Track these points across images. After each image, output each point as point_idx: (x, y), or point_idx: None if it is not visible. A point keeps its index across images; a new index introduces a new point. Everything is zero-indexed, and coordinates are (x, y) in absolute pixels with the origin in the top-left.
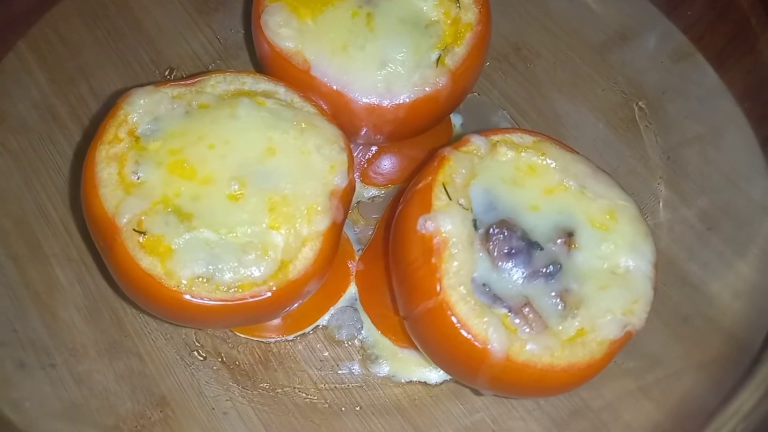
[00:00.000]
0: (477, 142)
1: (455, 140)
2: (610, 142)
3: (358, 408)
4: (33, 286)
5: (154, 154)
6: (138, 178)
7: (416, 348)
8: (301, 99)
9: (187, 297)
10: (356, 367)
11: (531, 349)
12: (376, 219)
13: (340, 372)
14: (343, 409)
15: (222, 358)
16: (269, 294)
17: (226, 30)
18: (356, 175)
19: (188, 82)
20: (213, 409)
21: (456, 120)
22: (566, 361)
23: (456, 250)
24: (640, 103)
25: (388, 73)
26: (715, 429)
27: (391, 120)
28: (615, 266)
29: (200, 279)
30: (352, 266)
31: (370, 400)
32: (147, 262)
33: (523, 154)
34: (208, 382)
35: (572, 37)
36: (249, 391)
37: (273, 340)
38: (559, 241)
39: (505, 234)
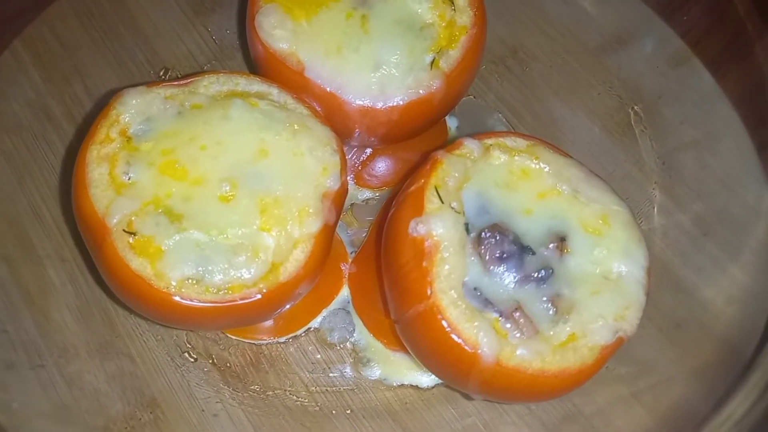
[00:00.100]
0: (470, 146)
1: (450, 143)
2: (605, 146)
3: (348, 411)
4: (25, 287)
5: (146, 155)
6: (129, 179)
7: (408, 351)
8: (294, 100)
9: (177, 298)
10: (348, 370)
11: (521, 354)
12: (369, 221)
13: (331, 375)
14: (334, 412)
15: (213, 360)
16: (259, 296)
17: (222, 31)
18: (350, 177)
19: (181, 82)
20: (203, 410)
21: (451, 123)
22: (557, 366)
23: (447, 254)
24: (635, 108)
25: (382, 76)
26: None
27: (384, 122)
28: (607, 271)
29: (190, 280)
30: (345, 269)
31: (362, 404)
32: (137, 263)
33: (516, 157)
34: (198, 384)
35: (569, 40)
36: (239, 393)
37: (264, 342)
38: (551, 245)
39: (497, 238)
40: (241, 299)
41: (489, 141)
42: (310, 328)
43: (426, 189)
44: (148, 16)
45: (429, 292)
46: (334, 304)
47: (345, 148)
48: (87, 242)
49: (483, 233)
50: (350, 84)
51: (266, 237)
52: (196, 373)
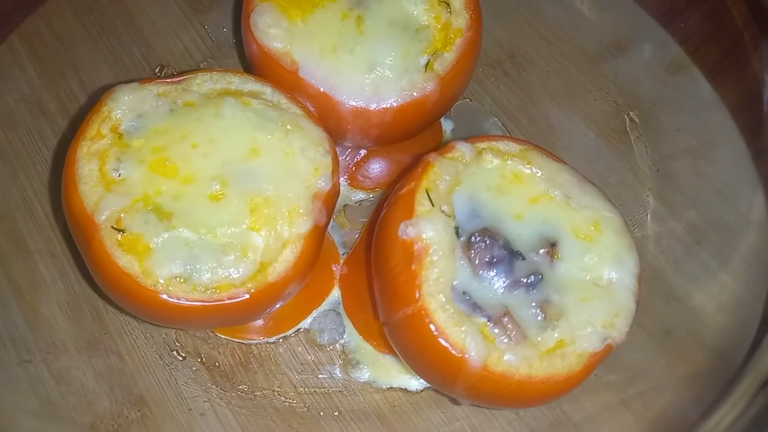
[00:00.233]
0: (462, 149)
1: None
2: (601, 151)
3: (336, 413)
4: (15, 282)
5: (137, 152)
6: (119, 175)
7: (397, 354)
8: (287, 100)
9: (164, 297)
10: (337, 372)
11: (509, 359)
12: (362, 223)
13: (320, 376)
14: (321, 413)
15: (201, 359)
16: (247, 296)
17: (219, 29)
18: (344, 178)
19: (174, 79)
20: (190, 409)
21: (447, 126)
22: (544, 372)
23: (437, 257)
24: (631, 114)
25: (377, 77)
26: None
27: (378, 124)
28: (598, 278)
29: (178, 279)
30: (337, 270)
31: (350, 406)
32: (124, 261)
33: (509, 162)
34: (186, 383)
35: (567, 45)
36: (227, 393)
37: (254, 341)
38: (541, 251)
39: (487, 242)
40: (229, 299)
41: (482, 145)
42: (300, 329)
43: (417, 192)
44: (145, 12)
45: (417, 295)
46: (325, 305)
47: (339, 149)
48: (76, 238)
49: (473, 237)
50: (344, 85)
51: (255, 237)
52: (184, 371)
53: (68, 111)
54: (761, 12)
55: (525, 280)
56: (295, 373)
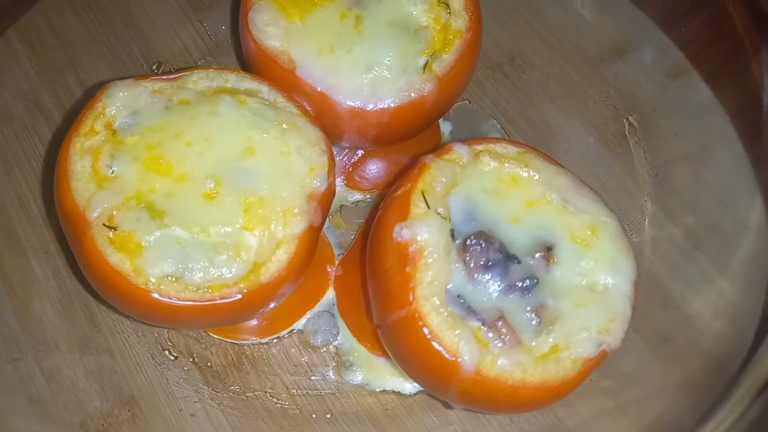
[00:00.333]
0: (459, 151)
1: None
2: (600, 155)
3: (329, 415)
4: (8, 278)
5: (131, 149)
6: (112, 172)
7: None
8: (284, 99)
9: (155, 296)
10: (330, 374)
11: (502, 364)
12: (358, 224)
13: (313, 378)
14: (314, 416)
15: (194, 359)
16: (239, 296)
17: (218, 26)
18: (341, 178)
19: (170, 77)
20: (181, 410)
21: (445, 127)
22: (538, 378)
23: (431, 260)
24: (630, 118)
25: (374, 77)
26: None
27: (375, 124)
28: (593, 283)
29: (169, 278)
30: (332, 271)
31: (343, 408)
32: (116, 259)
33: (506, 164)
34: (177, 383)
35: (567, 48)
36: (219, 394)
37: (247, 342)
38: (537, 255)
39: (483, 245)
40: (221, 299)
41: (479, 147)
42: (293, 330)
43: (412, 193)
44: (144, 9)
45: (411, 297)
46: (319, 306)
47: (336, 150)
48: (67, 236)
49: (469, 240)
50: (342, 84)
51: (249, 236)
52: (175, 371)
53: (65, 108)
54: (762, 17)
55: (520, 284)
56: (288, 375)
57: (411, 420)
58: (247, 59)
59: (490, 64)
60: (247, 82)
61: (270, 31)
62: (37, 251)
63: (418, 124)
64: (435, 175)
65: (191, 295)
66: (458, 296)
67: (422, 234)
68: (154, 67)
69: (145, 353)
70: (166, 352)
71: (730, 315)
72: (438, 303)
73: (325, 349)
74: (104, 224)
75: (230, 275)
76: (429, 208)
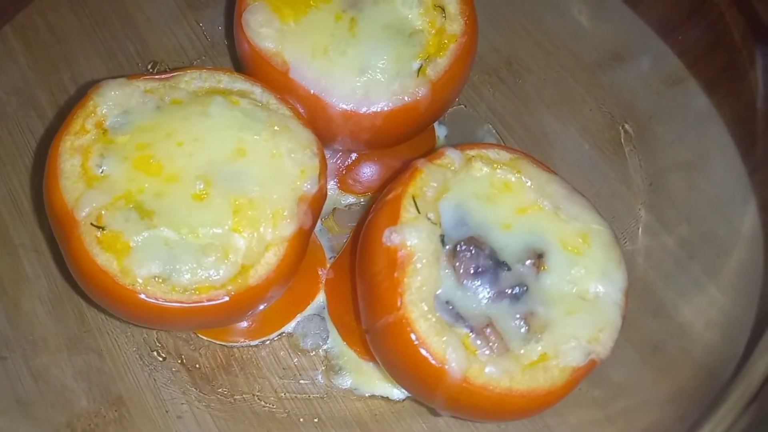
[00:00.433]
0: (451, 156)
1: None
2: (595, 162)
3: (316, 420)
4: None
5: (121, 148)
6: (102, 172)
7: None
8: (277, 101)
9: (142, 296)
10: (319, 378)
11: (490, 371)
12: (351, 227)
13: (302, 381)
14: (301, 420)
15: (182, 360)
16: (227, 298)
17: (214, 26)
18: (334, 181)
19: (162, 76)
20: (168, 411)
21: (440, 131)
22: (526, 386)
23: (420, 265)
24: (626, 126)
25: (368, 80)
26: None
27: (368, 127)
28: (584, 292)
29: (156, 279)
30: (323, 274)
31: (331, 413)
32: (103, 259)
33: (498, 170)
34: (165, 384)
35: (564, 54)
36: (207, 396)
37: (236, 344)
38: (528, 262)
39: (473, 252)
40: (208, 300)
41: (471, 152)
42: (283, 333)
43: (403, 198)
44: (141, 7)
45: (399, 303)
46: (310, 310)
47: (330, 152)
48: (56, 234)
49: (458, 246)
50: (335, 87)
51: (238, 238)
52: (163, 372)
53: (59, 104)
54: (760, 28)
55: (510, 291)
56: (277, 378)
57: (399, 426)
58: (241, 60)
59: (487, 69)
60: (239, 83)
61: (264, 32)
62: (28, 250)
63: (412, 128)
64: (426, 179)
65: (178, 296)
66: (447, 302)
67: (412, 239)
68: (149, 66)
69: (133, 354)
70: (155, 353)
71: (722, 325)
72: (426, 309)
73: (314, 352)
74: (92, 224)
75: (218, 277)
76: (419, 213)
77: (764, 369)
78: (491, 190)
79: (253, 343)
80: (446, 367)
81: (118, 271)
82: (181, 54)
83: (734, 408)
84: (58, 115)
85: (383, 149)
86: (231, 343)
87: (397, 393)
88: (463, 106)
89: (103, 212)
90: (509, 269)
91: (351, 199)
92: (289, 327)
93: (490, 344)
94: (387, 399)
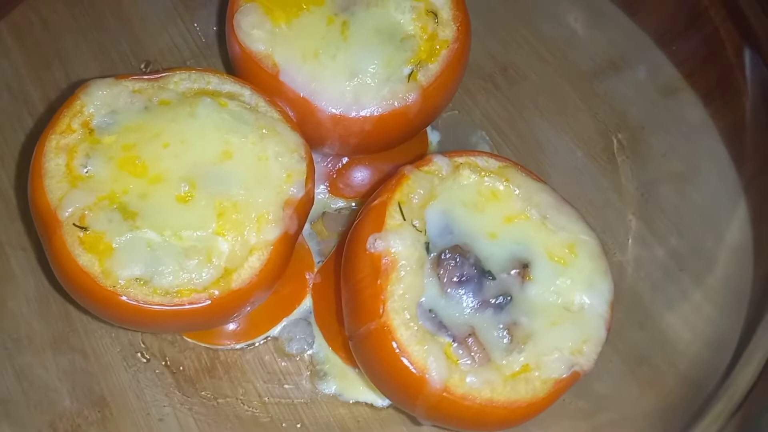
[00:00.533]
0: (439, 163)
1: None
2: (587, 171)
3: (299, 425)
4: None
5: (107, 148)
6: (87, 172)
7: None
8: (266, 104)
9: (123, 298)
10: (304, 383)
11: (471, 381)
12: (341, 231)
13: (286, 386)
14: (284, 425)
15: (166, 362)
16: (209, 302)
17: (209, 27)
18: (325, 185)
19: (151, 77)
20: (148, 414)
21: (434, 137)
22: (507, 397)
23: (404, 273)
24: (619, 136)
25: (358, 85)
26: None
27: (357, 132)
28: (569, 303)
29: (138, 281)
30: (310, 278)
31: (314, 418)
32: (85, 260)
33: (486, 178)
34: (148, 386)
35: (561, 62)
36: (190, 399)
37: (221, 347)
38: (513, 271)
39: (457, 260)
40: (190, 303)
41: (459, 159)
42: (269, 337)
43: (389, 204)
44: (136, 6)
45: (381, 310)
46: (296, 314)
47: (320, 156)
48: (39, 234)
49: (443, 254)
50: (324, 91)
51: (221, 241)
52: (147, 374)
53: (51, 101)
54: (754, 41)
55: (494, 301)
56: (261, 382)
57: None
58: (232, 62)
59: (483, 75)
60: (228, 85)
61: (255, 34)
62: (15, 248)
63: (402, 133)
64: (413, 186)
65: (159, 299)
66: (430, 311)
67: (396, 246)
68: (143, 66)
69: (117, 355)
70: (139, 355)
71: (710, 337)
72: (408, 317)
73: (299, 357)
74: (74, 224)
75: (200, 280)
76: (405, 219)
77: (748, 380)
78: (479, 198)
79: (238, 346)
80: (427, 376)
81: (99, 273)
82: (175, 54)
83: (718, 419)
84: (50, 113)
85: (373, 154)
86: (216, 346)
87: (382, 400)
88: (457, 112)
89: (86, 213)
90: (494, 279)
91: (341, 203)
92: (275, 331)
93: (472, 354)
94: (371, 406)
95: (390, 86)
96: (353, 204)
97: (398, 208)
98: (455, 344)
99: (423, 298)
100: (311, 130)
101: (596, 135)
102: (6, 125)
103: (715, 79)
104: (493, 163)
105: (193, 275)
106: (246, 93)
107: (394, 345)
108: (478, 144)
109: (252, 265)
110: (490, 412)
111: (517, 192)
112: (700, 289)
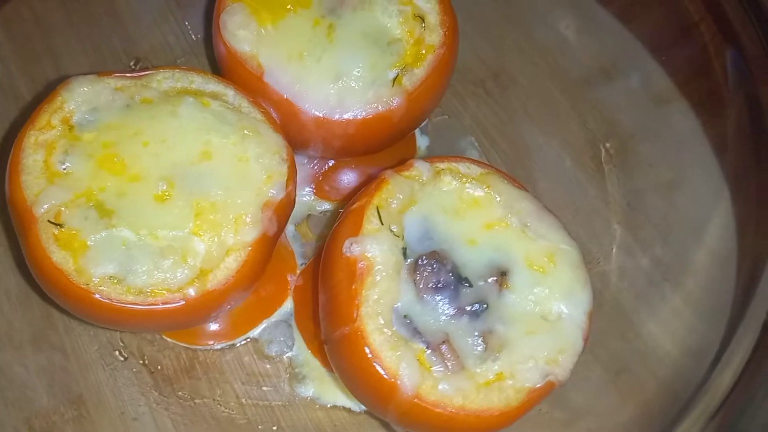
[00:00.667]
0: (420, 168)
1: None
2: (575, 179)
3: (275, 427)
4: None
5: (86, 145)
6: (64, 168)
7: None
8: (249, 104)
9: (97, 296)
10: (282, 385)
11: (443, 389)
12: (325, 234)
13: (264, 388)
14: (260, 427)
15: (144, 361)
16: (183, 302)
17: (200, 26)
18: (310, 187)
19: (134, 74)
20: (123, 413)
21: (422, 142)
22: (479, 405)
23: (379, 278)
24: (607, 144)
25: (342, 87)
26: None
27: (340, 135)
28: (546, 312)
29: (112, 279)
30: (292, 280)
31: (291, 421)
32: (59, 256)
33: (467, 185)
34: (125, 385)
35: (553, 69)
36: (166, 398)
37: (200, 347)
38: (490, 279)
39: (434, 266)
40: (164, 303)
41: (441, 165)
42: (248, 338)
43: (367, 208)
44: (129, 3)
45: (355, 315)
46: (277, 316)
47: (306, 159)
48: (16, 230)
49: (420, 260)
50: (308, 93)
51: (197, 242)
52: (124, 372)
53: (41, 97)
54: (743, 53)
55: (469, 309)
56: (240, 383)
57: None
58: (218, 62)
59: (474, 80)
60: (212, 85)
61: (241, 34)
62: None
63: (386, 137)
64: (392, 191)
65: (133, 298)
66: (405, 317)
67: (372, 251)
68: (132, 63)
69: (95, 353)
70: (117, 353)
71: (691, 346)
72: (382, 322)
73: (279, 359)
74: (49, 221)
75: (174, 280)
76: (382, 224)
77: (727, 383)
78: (459, 204)
79: (218, 346)
80: (398, 382)
81: (73, 270)
82: (167, 52)
83: (696, 423)
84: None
85: (359, 157)
86: (195, 346)
87: (359, 405)
88: (446, 117)
89: (62, 209)
90: (470, 286)
91: (327, 205)
92: (255, 332)
93: (446, 361)
94: (348, 410)
95: (374, 90)
96: (340, 208)
97: (376, 213)
98: (429, 351)
99: (398, 304)
100: (295, 132)
101: (585, 143)
102: None
103: (707, 90)
104: (475, 170)
105: (168, 275)
106: (230, 93)
107: (367, 350)
108: (467, 149)
109: (228, 266)
110: (462, 420)
111: (499, 199)
112: (683, 297)
